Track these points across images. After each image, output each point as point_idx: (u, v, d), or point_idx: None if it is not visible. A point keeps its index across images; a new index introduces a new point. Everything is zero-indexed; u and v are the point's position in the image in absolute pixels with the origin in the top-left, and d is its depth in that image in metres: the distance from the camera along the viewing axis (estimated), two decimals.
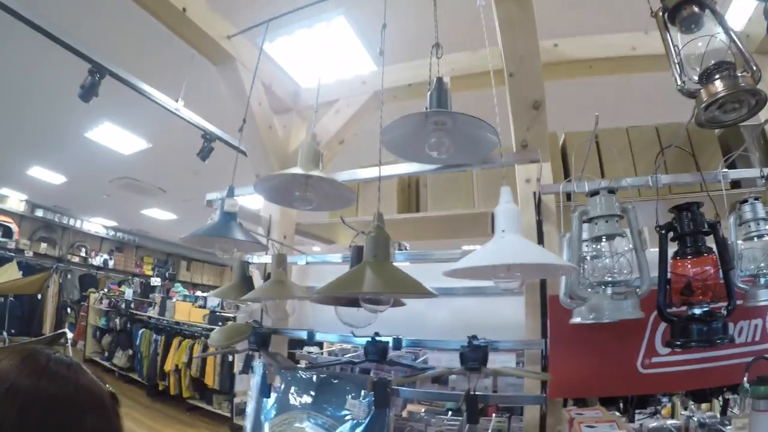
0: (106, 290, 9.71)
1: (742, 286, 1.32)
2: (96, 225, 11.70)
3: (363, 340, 1.47)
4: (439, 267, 1.71)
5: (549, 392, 1.45)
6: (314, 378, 1.56)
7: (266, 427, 1.62)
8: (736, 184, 1.78)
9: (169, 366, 6.46)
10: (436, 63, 1.12)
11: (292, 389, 1.62)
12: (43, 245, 10.26)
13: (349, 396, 1.48)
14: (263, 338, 1.52)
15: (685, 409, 2.58)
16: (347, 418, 1.47)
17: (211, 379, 5.80)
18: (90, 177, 7.12)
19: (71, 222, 10.99)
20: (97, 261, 11.71)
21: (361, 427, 1.43)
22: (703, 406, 2.41)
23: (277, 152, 2.07)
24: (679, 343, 1.25)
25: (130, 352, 7.81)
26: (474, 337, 1.22)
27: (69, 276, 10.81)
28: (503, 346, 1.40)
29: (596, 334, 1.46)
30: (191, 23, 1.79)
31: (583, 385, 1.48)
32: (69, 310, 9.94)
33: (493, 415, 1.83)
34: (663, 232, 1.35)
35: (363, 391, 1.45)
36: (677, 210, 1.34)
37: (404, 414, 1.85)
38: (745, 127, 2.00)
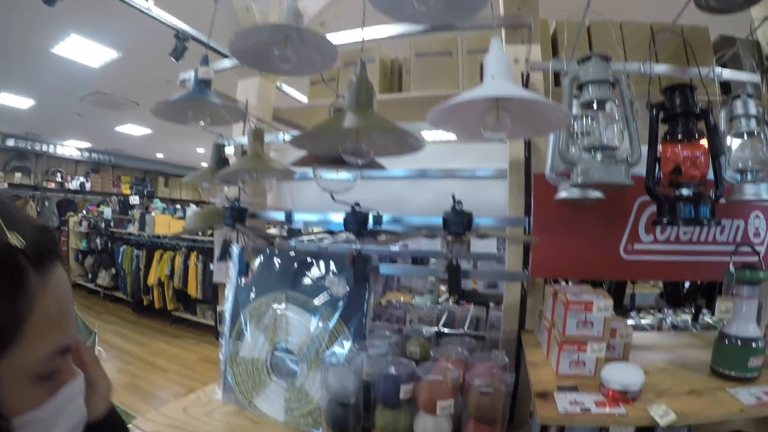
0: (84, 212, 9.58)
1: (731, 175, 1.31)
2: (70, 148, 11.42)
3: (342, 219, 1.43)
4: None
5: (531, 271, 1.45)
6: (292, 256, 1.54)
7: (245, 312, 1.62)
8: (726, 91, 1.75)
9: (152, 280, 6.53)
10: None
11: (269, 270, 1.60)
12: (18, 175, 10.05)
13: (329, 273, 1.46)
14: (239, 212, 1.47)
15: (660, 310, 2.69)
16: (326, 295, 1.46)
17: (193, 290, 5.88)
18: (59, 96, 6.86)
19: (44, 148, 10.77)
20: (74, 185, 11.53)
21: (341, 304, 1.43)
22: None
23: None
24: (666, 220, 1.24)
25: (113, 270, 7.83)
26: (459, 202, 1.18)
27: (47, 203, 10.67)
28: (485, 223, 1.38)
29: (580, 216, 1.45)
30: None
31: (565, 267, 1.48)
32: None
33: (471, 305, 1.85)
34: (654, 110, 1.31)
35: (342, 268, 1.44)
36: (669, 90, 1.30)
37: (383, 302, 1.87)
38: (741, 40, 1.96)
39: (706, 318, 2.47)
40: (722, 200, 1.26)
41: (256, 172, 1.39)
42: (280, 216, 1.60)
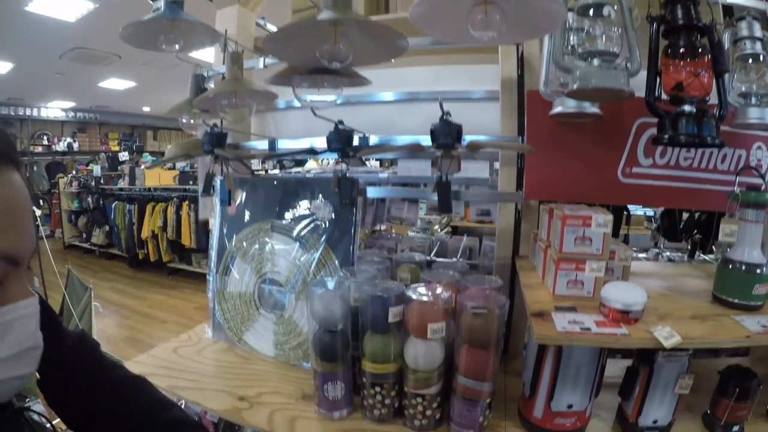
0: (74, 173, 9.47)
1: (735, 98, 1.23)
2: (54, 110, 11.23)
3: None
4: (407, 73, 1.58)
5: (525, 193, 1.39)
6: (276, 184, 1.48)
7: (231, 245, 1.57)
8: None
9: (145, 233, 6.53)
10: None
11: (254, 200, 1.54)
12: None
13: (315, 198, 1.41)
14: (218, 138, 1.39)
15: (656, 245, 2.66)
16: (312, 221, 1.41)
17: (187, 239, 5.89)
18: (39, 56, 6.67)
19: (28, 112, 10.61)
20: (61, 146, 11.40)
21: (327, 230, 1.38)
22: None
23: None
24: (667, 137, 1.17)
25: (107, 228, 7.81)
26: (447, 113, 1.11)
27: (35, 168, 10.54)
28: (476, 139, 1.31)
29: (576, 136, 1.38)
30: None
31: (560, 189, 1.41)
32: (41, 202, 9.77)
33: (465, 235, 1.81)
34: (655, 24, 1.22)
35: (328, 195, 1.38)
36: (671, 2, 1.20)
37: (374, 234, 1.83)
38: None
39: (702, 256, 2.45)
40: (725, 127, 1.19)
41: (236, 97, 1.30)
42: (263, 145, 1.53)
